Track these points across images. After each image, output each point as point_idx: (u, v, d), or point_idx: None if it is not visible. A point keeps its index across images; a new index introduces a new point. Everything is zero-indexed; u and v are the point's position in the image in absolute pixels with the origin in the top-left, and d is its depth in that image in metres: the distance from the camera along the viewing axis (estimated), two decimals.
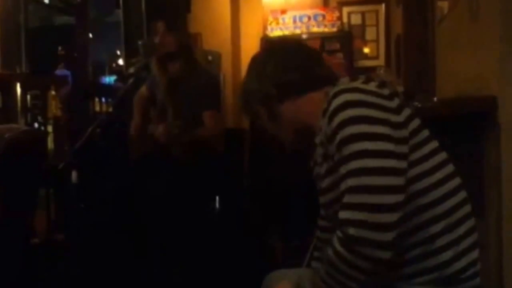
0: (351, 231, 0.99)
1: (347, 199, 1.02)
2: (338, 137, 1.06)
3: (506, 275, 1.64)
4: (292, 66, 1.25)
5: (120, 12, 5.04)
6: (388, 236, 0.98)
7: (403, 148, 1.07)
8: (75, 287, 2.56)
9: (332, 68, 1.32)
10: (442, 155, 1.16)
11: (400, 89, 3.21)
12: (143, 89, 3.02)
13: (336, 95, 1.11)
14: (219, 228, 2.97)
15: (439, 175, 1.12)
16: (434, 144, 1.15)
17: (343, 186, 1.04)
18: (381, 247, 0.99)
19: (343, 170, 1.05)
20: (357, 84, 1.16)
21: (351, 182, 1.02)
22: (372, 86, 1.14)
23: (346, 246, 1.01)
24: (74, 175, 2.84)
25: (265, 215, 3.41)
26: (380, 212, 0.98)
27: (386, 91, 1.14)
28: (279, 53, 1.29)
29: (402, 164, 1.05)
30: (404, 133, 1.09)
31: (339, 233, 1.03)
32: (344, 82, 1.21)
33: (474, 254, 1.14)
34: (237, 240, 3.06)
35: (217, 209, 3.01)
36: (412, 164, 1.08)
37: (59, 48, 5.43)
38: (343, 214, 1.02)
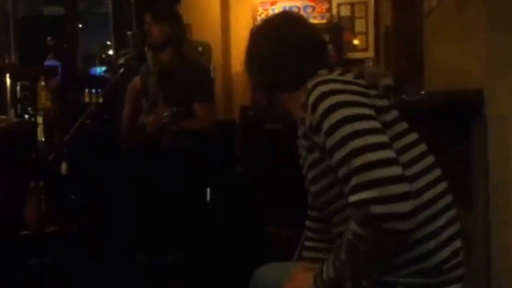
0: (371, 209, 0.98)
1: (355, 180, 1.01)
2: (325, 125, 1.07)
3: (493, 265, 1.65)
4: (281, 67, 1.27)
5: (109, 3, 5.01)
6: (407, 206, 0.98)
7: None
8: (67, 280, 2.57)
9: (326, 55, 1.33)
10: (421, 147, 1.17)
11: (389, 81, 3.24)
12: (137, 80, 3.00)
13: (312, 88, 1.12)
14: (212, 220, 2.98)
15: (416, 168, 1.13)
16: (412, 137, 1.17)
17: (345, 170, 1.03)
18: (405, 218, 0.98)
19: (340, 154, 1.04)
20: (333, 76, 1.19)
21: (356, 162, 1.01)
22: (348, 77, 1.17)
23: (367, 227, 1.00)
24: (64, 166, 2.84)
25: (258, 201, 3.42)
26: (393, 183, 0.98)
27: (362, 82, 1.17)
28: (270, 49, 1.29)
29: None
30: (385, 117, 1.12)
31: (356, 216, 1.01)
32: (322, 74, 1.22)
33: (456, 244, 1.15)
34: (230, 232, 3.08)
35: (209, 201, 3.02)
36: None
37: (48, 38, 5.36)
38: (357, 197, 1.00)
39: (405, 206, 0.98)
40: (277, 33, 1.30)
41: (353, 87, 1.12)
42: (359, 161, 1.01)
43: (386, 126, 1.10)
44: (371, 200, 0.98)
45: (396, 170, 1.00)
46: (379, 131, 1.05)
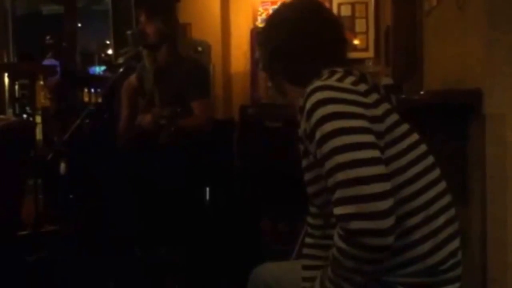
0: (349, 225, 1.00)
1: (338, 194, 1.02)
2: (317, 134, 1.07)
3: (489, 262, 1.66)
4: (289, 57, 1.27)
5: (108, 1, 5.00)
6: (387, 223, 0.99)
7: (380, 142, 1.09)
8: (64, 279, 2.56)
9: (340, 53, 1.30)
10: (421, 148, 1.17)
11: (389, 81, 3.24)
12: (132, 79, 2.99)
13: (310, 94, 1.11)
14: (209, 217, 2.98)
15: (416, 169, 1.13)
16: (412, 138, 1.17)
17: (331, 182, 1.04)
18: (382, 235, 0.99)
19: (327, 166, 1.05)
20: (331, 81, 1.15)
21: (338, 177, 1.02)
22: (347, 83, 1.14)
23: (348, 242, 1.01)
24: (62, 166, 2.83)
25: (256, 198, 3.41)
26: (373, 201, 0.99)
27: (362, 87, 1.14)
28: (283, 36, 1.28)
29: (382, 155, 1.07)
30: (380, 127, 1.11)
31: (339, 230, 1.03)
32: (323, 75, 1.20)
33: (454, 244, 1.15)
34: (228, 228, 3.07)
35: (207, 200, 3.02)
36: (389, 160, 1.10)
37: (47, 37, 5.34)
38: (338, 210, 1.02)
39: (383, 223, 0.99)
40: (294, 22, 1.29)
41: (351, 96, 1.10)
42: (341, 176, 1.02)
43: (381, 135, 1.10)
44: (350, 215, 1.00)
45: (378, 187, 1.00)
46: (369, 145, 1.04)
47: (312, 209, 1.32)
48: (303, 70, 1.25)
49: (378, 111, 1.12)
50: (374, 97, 1.14)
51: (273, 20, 1.35)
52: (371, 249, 1.00)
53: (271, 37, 1.31)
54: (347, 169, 1.02)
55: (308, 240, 1.35)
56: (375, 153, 1.04)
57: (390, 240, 1.00)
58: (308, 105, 1.10)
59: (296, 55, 1.27)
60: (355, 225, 0.99)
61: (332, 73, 1.19)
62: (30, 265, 2.59)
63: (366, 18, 5.16)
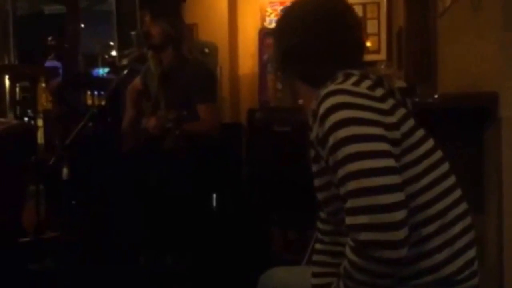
0: (361, 236, 0.97)
1: (350, 204, 1.00)
2: (331, 140, 1.04)
3: (506, 271, 1.64)
4: (302, 58, 1.23)
5: (112, 1, 4.97)
6: (400, 234, 0.96)
7: (396, 150, 1.06)
8: (67, 285, 2.53)
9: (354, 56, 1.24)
10: (437, 155, 1.14)
11: (402, 84, 3.17)
12: (137, 81, 2.98)
13: (324, 98, 1.08)
14: (217, 224, 2.94)
15: (432, 176, 1.11)
16: (429, 144, 1.14)
17: (343, 190, 1.02)
18: (394, 247, 0.96)
19: (339, 173, 1.02)
20: (347, 85, 1.11)
21: (350, 186, 1.00)
22: (363, 88, 1.10)
23: (359, 254, 0.99)
24: (65, 171, 2.80)
25: (264, 205, 3.38)
26: (386, 211, 0.96)
27: (379, 92, 1.11)
28: (295, 38, 1.23)
29: (397, 164, 1.04)
30: (396, 134, 1.07)
31: (350, 241, 1.01)
32: (338, 78, 1.16)
33: (471, 253, 1.13)
34: (236, 235, 3.04)
35: (215, 207, 2.98)
36: (405, 167, 1.07)
37: (49, 38, 5.32)
38: (349, 220, 0.99)
39: (396, 235, 0.96)
40: (308, 21, 1.23)
41: (366, 101, 1.07)
42: (353, 185, 0.99)
43: (397, 142, 1.07)
44: (361, 226, 0.97)
45: (392, 198, 0.97)
46: (384, 154, 1.02)
47: (322, 215, 1.29)
48: (317, 72, 1.21)
49: (394, 117, 1.09)
50: (390, 102, 1.11)
51: (286, 19, 1.31)
52: (383, 261, 0.97)
53: (283, 37, 1.27)
54: (360, 177, 0.99)
55: (318, 246, 1.33)
56: (390, 162, 1.01)
57: (402, 252, 0.97)
58: (322, 110, 1.07)
59: (309, 56, 1.23)
60: (366, 236, 0.97)
61: (348, 76, 1.15)
62: (32, 273, 2.56)
63: (378, 19, 5.09)
